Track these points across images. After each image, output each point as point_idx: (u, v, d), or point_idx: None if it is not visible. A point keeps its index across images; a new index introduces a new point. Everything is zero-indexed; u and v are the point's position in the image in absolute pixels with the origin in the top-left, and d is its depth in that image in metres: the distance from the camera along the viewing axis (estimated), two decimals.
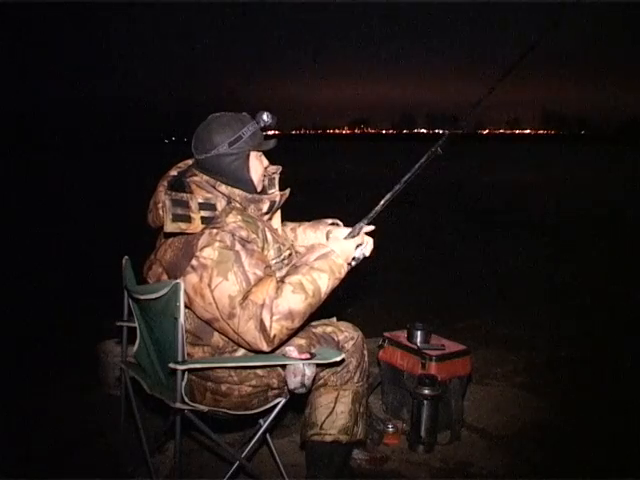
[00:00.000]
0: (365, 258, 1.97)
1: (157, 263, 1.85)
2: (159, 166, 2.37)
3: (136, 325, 2.00)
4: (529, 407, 2.91)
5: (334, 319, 2.12)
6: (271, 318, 1.64)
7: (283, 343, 1.76)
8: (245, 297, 1.66)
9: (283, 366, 1.80)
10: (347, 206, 5.36)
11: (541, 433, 2.65)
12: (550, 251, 6.93)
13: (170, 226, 1.72)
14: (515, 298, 4.95)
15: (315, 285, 1.72)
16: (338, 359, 1.78)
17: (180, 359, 1.69)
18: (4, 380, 3.09)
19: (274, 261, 1.83)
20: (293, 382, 1.73)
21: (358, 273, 2.02)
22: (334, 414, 1.95)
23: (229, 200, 1.81)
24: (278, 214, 2.02)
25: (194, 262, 1.70)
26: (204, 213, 1.75)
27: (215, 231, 1.71)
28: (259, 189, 1.93)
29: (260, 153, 1.92)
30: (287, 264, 1.86)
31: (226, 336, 1.75)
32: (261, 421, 2.10)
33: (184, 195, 1.76)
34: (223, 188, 1.82)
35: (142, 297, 1.82)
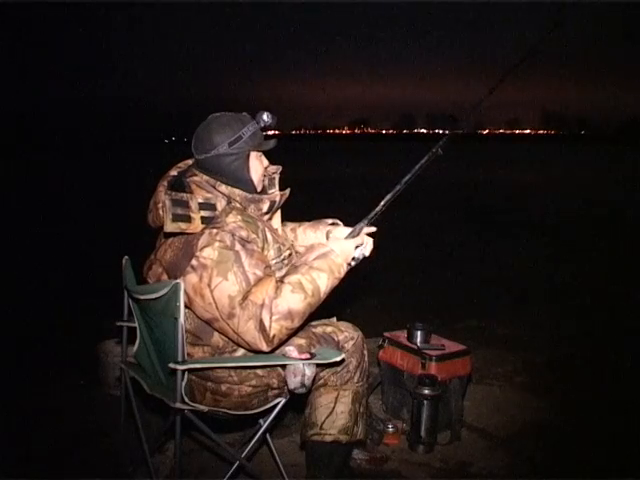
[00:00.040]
0: (365, 258, 1.97)
1: (157, 263, 1.85)
2: (159, 166, 2.37)
3: (136, 325, 2.00)
4: (529, 407, 2.91)
5: (334, 319, 2.12)
6: (270, 318, 1.64)
7: (283, 343, 1.76)
8: (245, 297, 1.66)
9: (283, 366, 1.80)
10: (347, 206, 5.36)
11: (541, 433, 2.65)
12: (550, 251, 6.93)
13: (170, 226, 1.72)
14: (515, 298, 4.95)
15: (314, 285, 1.72)
16: (338, 359, 1.78)
17: (180, 359, 1.69)
18: (4, 380, 3.09)
19: (274, 261, 1.83)
20: (293, 382, 1.73)
21: (358, 273, 2.02)
22: (334, 414, 1.95)
23: (229, 200, 1.82)
24: (278, 214, 2.02)
25: (194, 262, 1.70)
26: (204, 213, 1.75)
27: (215, 231, 1.71)
28: (259, 189, 1.93)
29: (260, 153, 1.92)
30: (287, 264, 1.86)
31: (226, 336, 1.75)
32: (261, 421, 2.10)
33: (184, 195, 1.76)
34: (223, 188, 1.83)
35: (142, 297, 1.82)
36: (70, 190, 14.38)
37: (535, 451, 2.50)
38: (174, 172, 1.91)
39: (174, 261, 1.77)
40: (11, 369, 3.29)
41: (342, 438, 1.95)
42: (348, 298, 4.29)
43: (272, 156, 1.97)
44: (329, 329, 2.01)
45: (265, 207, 1.89)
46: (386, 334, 2.84)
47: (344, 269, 1.82)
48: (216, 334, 1.78)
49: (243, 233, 1.73)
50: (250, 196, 1.86)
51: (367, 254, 1.97)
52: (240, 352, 1.81)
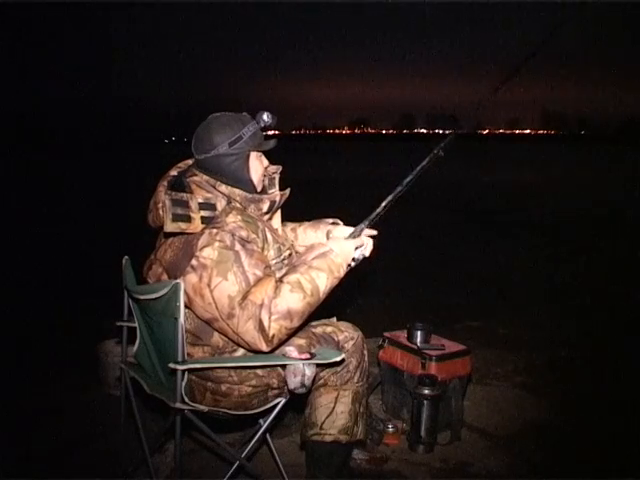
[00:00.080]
0: (365, 259, 1.97)
1: (157, 263, 1.85)
2: (159, 166, 2.37)
3: (136, 325, 2.00)
4: (529, 407, 2.91)
5: (334, 319, 2.12)
6: (269, 318, 1.64)
7: (282, 343, 1.76)
8: (244, 297, 1.66)
9: (283, 366, 1.80)
10: (347, 206, 5.36)
11: (541, 433, 2.65)
12: (550, 251, 6.93)
13: (170, 226, 1.72)
14: (515, 298, 4.95)
15: (313, 284, 1.72)
16: (338, 359, 1.78)
17: (180, 359, 1.69)
18: (4, 380, 3.09)
19: (274, 261, 1.83)
20: (293, 382, 1.73)
21: (358, 273, 2.02)
22: (334, 414, 1.95)
23: (229, 200, 1.81)
24: (278, 214, 2.02)
25: (194, 262, 1.70)
26: (204, 213, 1.75)
27: (215, 231, 1.71)
28: (259, 189, 1.92)
29: (260, 153, 1.92)
30: (287, 264, 1.86)
31: (226, 336, 1.75)
32: (261, 421, 2.10)
33: (184, 195, 1.76)
34: (223, 188, 1.82)
35: (142, 297, 1.82)
36: (70, 190, 14.39)
37: (535, 451, 2.50)
38: (174, 172, 1.91)
39: (174, 261, 1.77)
40: (11, 369, 3.29)
41: (342, 438, 1.95)
42: (348, 298, 4.29)
43: (272, 156, 1.97)
44: (329, 329, 2.01)
45: (265, 207, 1.89)
46: (386, 334, 2.84)
47: (344, 269, 1.82)
48: (216, 334, 1.78)
49: (243, 233, 1.73)
50: (250, 196, 1.86)
51: (367, 255, 1.97)
52: (240, 352, 1.81)
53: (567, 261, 6.42)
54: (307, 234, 2.13)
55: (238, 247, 1.70)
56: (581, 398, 3.00)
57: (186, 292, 1.69)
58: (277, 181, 2.01)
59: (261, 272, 1.70)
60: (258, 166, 1.90)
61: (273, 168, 2.02)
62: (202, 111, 2.22)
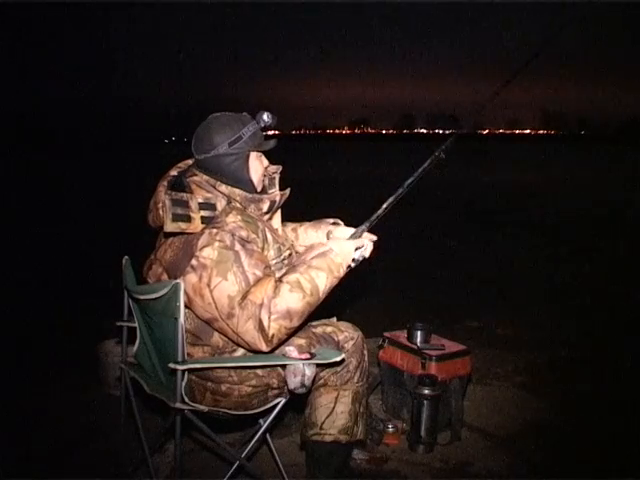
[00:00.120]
0: (365, 259, 1.97)
1: (157, 263, 1.85)
2: (159, 166, 2.37)
3: (136, 325, 2.01)
4: (529, 407, 2.91)
5: (334, 319, 2.12)
6: (269, 318, 1.64)
7: (282, 343, 1.76)
8: (244, 297, 1.66)
9: (283, 366, 1.80)
10: (347, 206, 5.36)
11: (541, 433, 2.65)
12: (550, 251, 6.92)
13: (170, 226, 1.72)
14: (515, 298, 4.95)
15: (313, 284, 1.71)
16: (338, 359, 1.78)
17: (180, 359, 1.69)
18: (4, 380, 3.09)
19: (274, 261, 1.83)
20: (293, 382, 1.73)
21: (358, 273, 2.02)
22: (334, 414, 1.95)
23: (229, 200, 1.82)
24: (278, 214, 2.02)
25: (194, 262, 1.70)
26: (204, 213, 1.75)
27: (215, 231, 1.71)
28: (259, 189, 1.93)
29: (260, 153, 1.92)
30: (287, 264, 1.86)
31: (225, 336, 1.75)
32: (261, 421, 2.10)
33: (184, 195, 1.76)
34: (223, 188, 1.83)
35: (142, 297, 1.82)
36: (70, 190, 14.38)
37: (535, 451, 2.50)
38: (174, 172, 1.91)
39: (174, 261, 1.77)
40: (11, 369, 3.29)
41: (342, 438, 1.95)
42: (348, 298, 4.28)
43: (272, 156, 1.97)
44: (329, 329, 2.01)
45: (265, 207, 1.89)
46: (386, 334, 2.84)
47: (343, 269, 1.81)
48: (216, 334, 1.78)
49: (243, 233, 1.73)
50: (250, 196, 1.86)
51: (367, 256, 1.96)
52: (240, 352, 1.81)
53: (567, 261, 6.42)
54: (308, 234, 2.13)
55: (238, 247, 1.70)
56: (581, 398, 3.00)
57: (186, 292, 1.69)
58: (277, 181, 2.01)
59: (261, 272, 1.70)
60: (258, 166, 1.90)
61: (273, 168, 2.02)
62: (202, 111, 2.22)
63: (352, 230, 2.00)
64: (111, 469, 2.23)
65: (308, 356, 1.77)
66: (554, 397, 3.02)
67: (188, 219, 1.73)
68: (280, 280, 1.71)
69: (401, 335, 2.80)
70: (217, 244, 1.69)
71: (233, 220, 1.74)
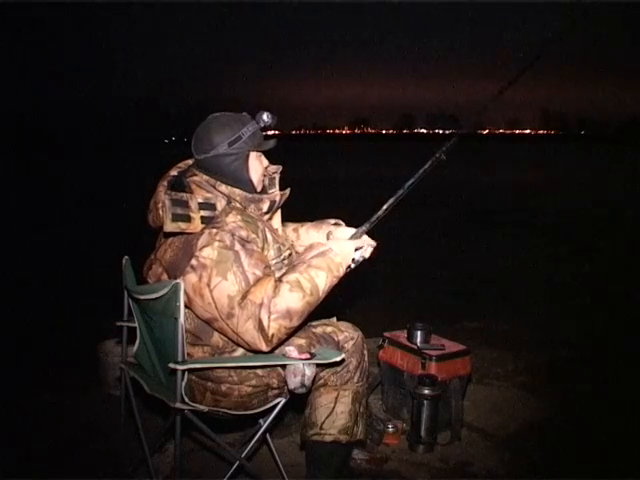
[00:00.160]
0: (365, 260, 1.97)
1: (157, 263, 1.85)
2: (159, 166, 2.37)
3: (136, 325, 2.01)
4: (529, 407, 2.91)
5: (334, 319, 2.12)
6: (269, 317, 1.64)
7: (282, 342, 1.76)
8: (244, 297, 1.66)
9: (283, 366, 1.80)
10: (347, 206, 5.36)
11: (541, 433, 2.65)
12: (550, 251, 6.93)
13: (170, 226, 1.72)
14: (515, 298, 4.95)
15: (313, 283, 1.71)
16: (338, 359, 1.78)
17: (180, 359, 1.69)
18: (4, 380, 3.09)
19: (274, 261, 1.83)
20: (293, 382, 1.73)
21: (358, 273, 2.02)
22: (334, 414, 1.95)
23: (229, 200, 1.82)
24: (278, 214, 2.02)
25: (194, 262, 1.70)
26: (204, 213, 1.75)
27: (215, 231, 1.71)
28: (259, 189, 1.92)
29: (260, 153, 1.92)
30: (287, 264, 1.86)
31: (225, 336, 1.75)
32: (261, 421, 2.10)
33: (184, 195, 1.76)
34: (223, 188, 1.83)
35: (142, 297, 1.82)
36: (70, 190, 14.38)
37: (535, 451, 2.50)
38: (174, 172, 1.91)
39: (174, 261, 1.77)
40: (11, 369, 3.29)
41: (342, 438, 1.95)
42: (348, 298, 4.28)
43: (272, 156, 1.97)
44: (329, 329, 2.01)
45: (265, 207, 1.89)
46: (386, 334, 2.84)
47: (343, 268, 1.81)
48: (216, 334, 1.78)
49: (243, 233, 1.73)
50: (250, 196, 1.86)
51: (367, 257, 1.96)
52: (240, 352, 1.81)
53: (567, 261, 6.42)
54: (309, 234, 2.13)
55: (238, 247, 1.70)
56: (581, 398, 3.00)
57: (186, 292, 1.69)
58: (277, 181, 2.01)
59: (261, 272, 1.70)
60: (258, 166, 1.90)
61: (273, 168, 2.02)
62: (202, 111, 2.22)
63: (353, 231, 2.00)
64: (111, 469, 2.23)
65: (308, 356, 1.77)
66: (554, 397, 3.01)
67: (188, 219, 1.73)
68: (280, 280, 1.71)
69: (401, 335, 2.80)
70: (217, 244, 1.69)
71: (233, 220, 1.74)
